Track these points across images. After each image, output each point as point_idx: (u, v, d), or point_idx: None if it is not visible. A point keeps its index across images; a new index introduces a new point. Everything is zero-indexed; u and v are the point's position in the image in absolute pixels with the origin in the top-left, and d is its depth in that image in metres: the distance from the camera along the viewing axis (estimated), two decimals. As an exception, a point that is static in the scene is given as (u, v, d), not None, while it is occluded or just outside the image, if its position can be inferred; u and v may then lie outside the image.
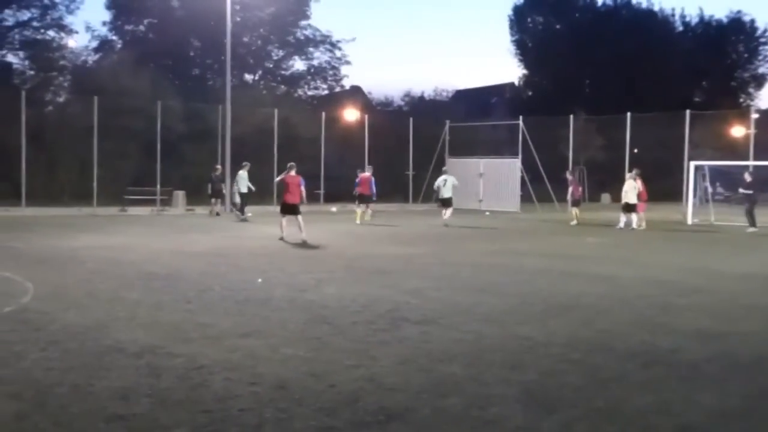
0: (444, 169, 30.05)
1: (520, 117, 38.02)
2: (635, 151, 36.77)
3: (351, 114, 42.28)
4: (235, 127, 32.03)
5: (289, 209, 18.63)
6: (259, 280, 12.09)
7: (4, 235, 19.11)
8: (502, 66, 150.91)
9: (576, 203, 27.78)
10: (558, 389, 6.23)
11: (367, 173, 26.95)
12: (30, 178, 29.43)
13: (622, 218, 24.90)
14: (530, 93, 69.60)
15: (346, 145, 39.15)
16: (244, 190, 26.55)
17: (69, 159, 32.88)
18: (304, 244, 17.51)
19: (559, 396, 6.04)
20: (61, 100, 41.37)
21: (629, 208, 24.78)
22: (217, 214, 28.36)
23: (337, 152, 38.36)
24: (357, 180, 26.77)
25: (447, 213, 25.57)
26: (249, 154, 29.48)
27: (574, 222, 26.65)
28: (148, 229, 22.24)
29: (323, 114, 38.04)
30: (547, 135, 37.72)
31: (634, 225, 24.55)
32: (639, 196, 25.08)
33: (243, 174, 26.64)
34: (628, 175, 25.97)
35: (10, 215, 26.05)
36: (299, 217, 18.44)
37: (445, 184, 26.09)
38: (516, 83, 72.12)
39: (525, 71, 71.66)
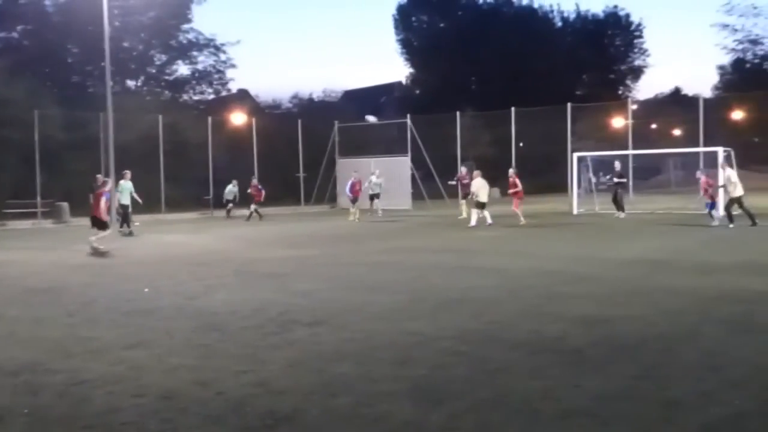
0: (376, 171, 32.17)
1: (408, 115, 38.37)
2: (521, 145, 37.68)
3: (239, 117, 41.78)
4: (119, 134, 31.13)
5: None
6: (146, 289, 11.78)
7: None
8: (390, 66, 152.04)
9: (465, 197, 28.23)
10: (446, 382, 6.27)
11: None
12: None
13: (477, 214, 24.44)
14: (418, 91, 70.37)
15: (236, 149, 38.68)
16: (126, 201, 24.44)
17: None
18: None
19: (447, 389, 6.08)
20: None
21: (481, 206, 24.46)
22: None
23: (227, 157, 37.85)
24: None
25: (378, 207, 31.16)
26: (134, 162, 28.70)
27: (462, 216, 27.21)
28: (29, 243, 21.41)
29: (209, 119, 37.47)
30: (436, 132, 38.21)
31: (489, 221, 23.97)
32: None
33: (125, 184, 24.64)
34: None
35: None
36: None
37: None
38: (404, 82, 72.77)
39: (412, 70, 72.43)
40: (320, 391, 6.09)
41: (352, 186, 30.13)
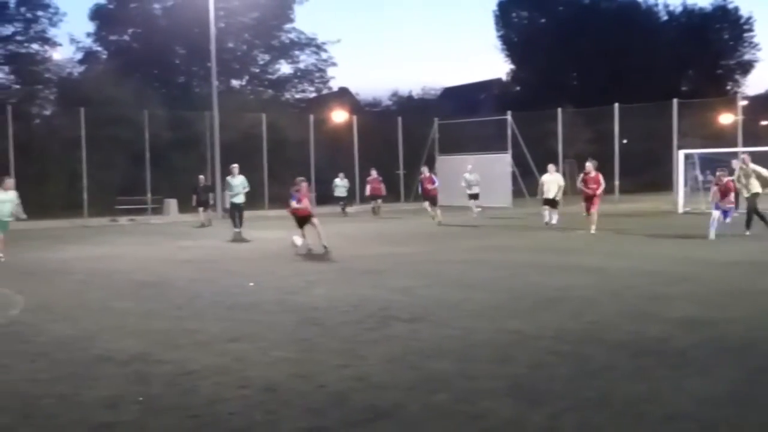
0: (469, 167, 30.42)
1: (509, 112, 38.06)
2: (624, 141, 36.86)
3: (339, 115, 42.25)
4: (223, 133, 31.98)
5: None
6: (251, 284, 12.08)
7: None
8: (490, 62, 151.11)
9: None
10: (547, 381, 6.24)
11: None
12: (19, 192, 29.31)
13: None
14: (518, 88, 69.61)
15: (335, 147, 39.14)
16: (239, 200, 22.03)
17: (58, 171, 32.80)
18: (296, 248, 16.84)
19: (547, 388, 6.05)
20: (47, 112, 41.28)
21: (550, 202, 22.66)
22: (203, 225, 26.18)
23: (327, 154, 38.34)
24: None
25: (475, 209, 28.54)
26: (237, 160, 29.37)
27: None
28: (139, 238, 22.20)
29: (311, 117, 38.02)
30: (535, 129, 37.75)
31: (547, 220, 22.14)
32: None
33: (233, 180, 22.58)
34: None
35: None
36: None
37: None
38: (503, 79, 72.12)
39: (512, 66, 71.70)
40: (419, 387, 6.14)
41: (422, 184, 26.47)
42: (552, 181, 22.83)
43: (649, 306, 9.50)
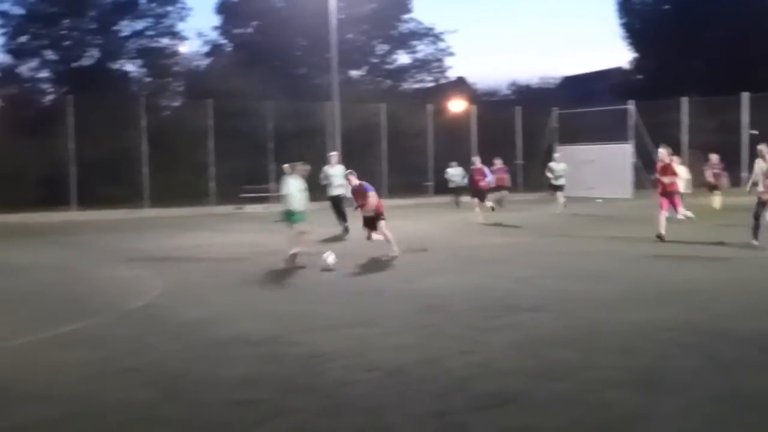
0: (556, 156, 29.51)
1: (631, 101, 37.21)
2: (755, 132, 35.43)
3: (457, 105, 42.19)
4: (342, 123, 32.50)
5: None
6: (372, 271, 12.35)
7: (132, 235, 20.09)
8: (611, 51, 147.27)
9: (714, 188, 25.35)
10: (673, 373, 6.21)
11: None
12: (151, 181, 30.77)
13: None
14: (640, 76, 67.76)
15: (452, 136, 39.16)
16: (339, 192, 19.27)
17: (186, 160, 34.13)
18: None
19: (674, 380, 6.02)
20: (176, 104, 42.92)
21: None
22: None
23: (444, 144, 38.43)
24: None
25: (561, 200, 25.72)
26: (356, 150, 29.89)
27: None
28: (263, 225, 22.87)
29: (430, 106, 38.20)
30: (657, 119, 36.73)
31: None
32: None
33: (332, 169, 19.86)
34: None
35: (135, 216, 27.28)
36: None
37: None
38: (624, 67, 70.36)
39: (634, 55, 69.87)
40: (543, 375, 6.24)
41: (472, 175, 23.82)
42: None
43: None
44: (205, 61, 45.63)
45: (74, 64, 40.34)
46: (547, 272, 11.91)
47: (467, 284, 10.84)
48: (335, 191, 19.30)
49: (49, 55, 40.11)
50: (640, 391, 5.77)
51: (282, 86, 39.26)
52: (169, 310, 9.39)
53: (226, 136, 32.94)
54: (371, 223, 14.60)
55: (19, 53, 39.20)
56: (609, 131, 39.35)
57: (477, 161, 23.93)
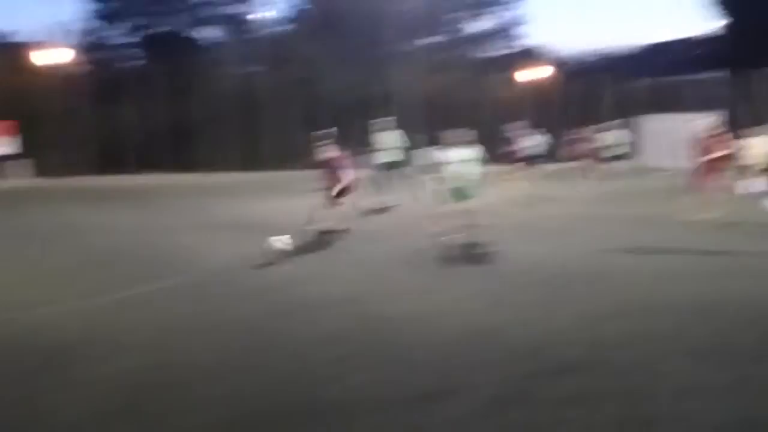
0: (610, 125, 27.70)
1: (725, 69, 36.14)
2: None
3: (541, 72, 41.33)
4: (419, 91, 32.50)
5: None
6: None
7: (225, 199, 20.59)
8: (703, 17, 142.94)
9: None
10: (732, 346, 6.33)
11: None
12: (240, 145, 31.58)
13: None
14: (735, 44, 65.52)
15: (536, 105, 38.54)
16: (391, 158, 19.06)
17: (269, 126, 34.79)
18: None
19: (734, 352, 6.15)
20: (259, 69, 43.75)
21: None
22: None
23: (526, 112, 38.10)
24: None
25: None
26: (435, 119, 29.76)
27: None
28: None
29: (509, 74, 37.95)
30: (753, 88, 35.51)
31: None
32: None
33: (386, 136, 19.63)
34: None
35: (227, 180, 27.38)
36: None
37: None
38: (719, 34, 68.06)
39: (730, 20, 67.49)
40: (604, 344, 6.45)
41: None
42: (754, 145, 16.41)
43: None
44: (286, 28, 46.03)
45: (154, 30, 41.62)
46: (610, 245, 11.38)
47: (530, 254, 10.68)
48: (388, 158, 18.90)
49: (133, 22, 41.56)
50: (698, 362, 5.91)
51: (357, 55, 39.38)
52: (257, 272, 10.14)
53: (303, 103, 33.44)
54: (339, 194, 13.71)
55: (103, 19, 40.76)
56: (701, 101, 38.26)
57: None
